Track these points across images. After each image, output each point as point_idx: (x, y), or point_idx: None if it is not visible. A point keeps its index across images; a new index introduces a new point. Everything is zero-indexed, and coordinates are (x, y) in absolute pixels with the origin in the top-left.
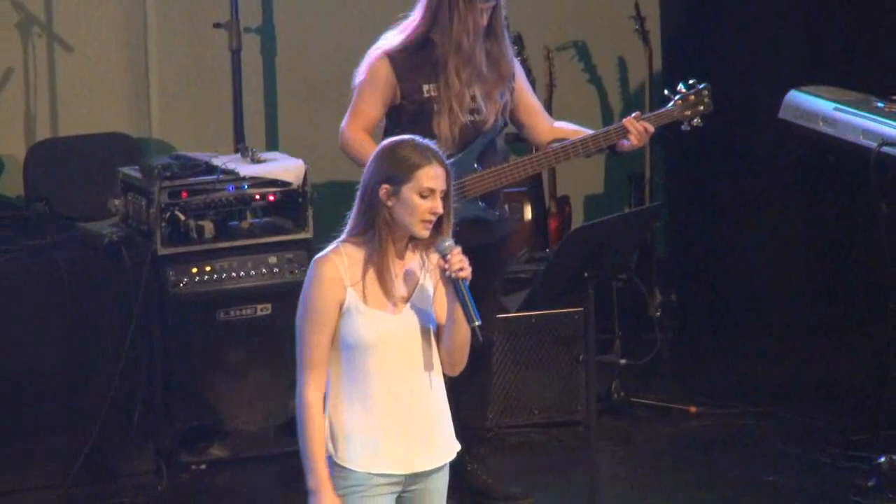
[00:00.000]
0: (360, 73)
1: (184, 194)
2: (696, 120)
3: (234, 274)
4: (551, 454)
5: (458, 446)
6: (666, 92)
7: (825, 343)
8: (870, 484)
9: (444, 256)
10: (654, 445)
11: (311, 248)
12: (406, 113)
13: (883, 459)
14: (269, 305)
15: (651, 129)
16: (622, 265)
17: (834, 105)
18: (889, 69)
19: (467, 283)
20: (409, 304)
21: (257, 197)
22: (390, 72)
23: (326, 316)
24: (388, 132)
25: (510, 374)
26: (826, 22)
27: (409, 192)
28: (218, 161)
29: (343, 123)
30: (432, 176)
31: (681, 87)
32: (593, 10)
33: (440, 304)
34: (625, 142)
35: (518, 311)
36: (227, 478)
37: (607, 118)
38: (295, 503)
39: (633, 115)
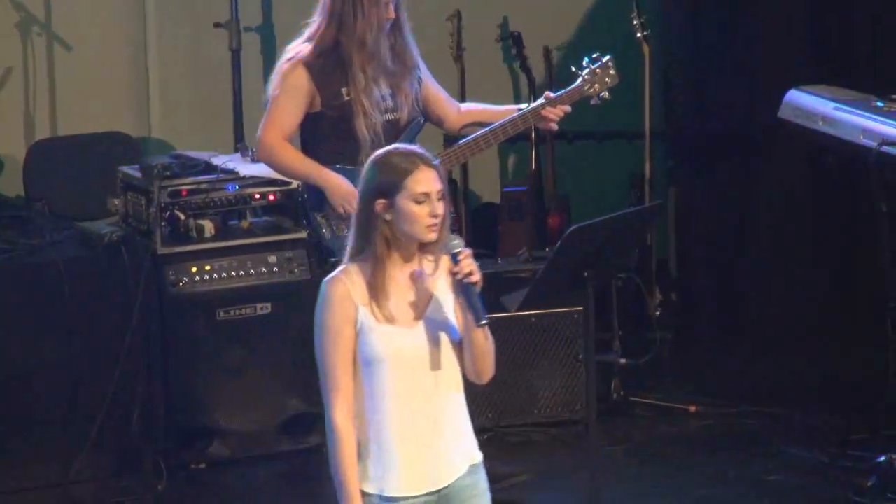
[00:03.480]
0: (275, 85)
1: (183, 193)
2: (604, 93)
3: (233, 273)
4: (551, 454)
5: (479, 455)
6: (573, 69)
7: (825, 343)
8: (869, 483)
9: (453, 258)
10: (654, 445)
11: (310, 248)
12: (327, 119)
13: (883, 459)
14: (268, 305)
15: (567, 109)
16: (622, 264)
17: (834, 104)
18: (889, 69)
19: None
20: (425, 317)
21: (257, 196)
22: (308, 79)
23: (341, 335)
24: (306, 144)
25: (510, 373)
26: (826, 22)
27: (404, 201)
28: (217, 160)
29: (260, 133)
30: (422, 180)
31: (585, 61)
32: (593, 10)
33: (459, 310)
34: (543, 126)
35: (517, 310)
36: (226, 477)
37: (607, 118)
38: (294, 503)
39: (544, 97)
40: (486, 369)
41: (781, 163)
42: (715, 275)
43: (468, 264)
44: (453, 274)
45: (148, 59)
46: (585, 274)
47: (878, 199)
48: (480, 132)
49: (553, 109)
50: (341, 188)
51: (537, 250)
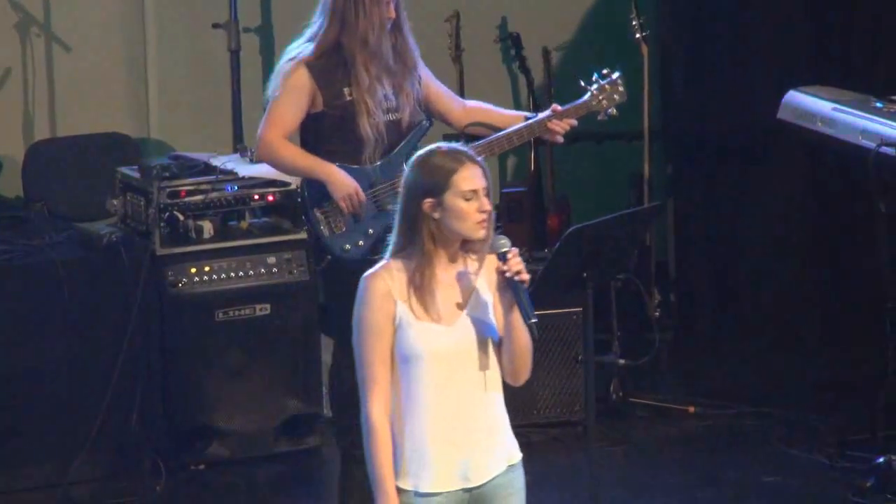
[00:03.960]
0: (276, 85)
1: (182, 194)
2: (612, 110)
3: (232, 274)
4: (550, 454)
5: (517, 455)
6: (582, 83)
7: (824, 343)
8: (868, 484)
9: (501, 257)
10: (653, 445)
11: (309, 249)
12: (329, 119)
13: (882, 460)
14: (267, 306)
15: (574, 123)
16: (621, 265)
17: (833, 105)
18: (888, 70)
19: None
20: (464, 315)
21: (256, 197)
22: (309, 79)
23: (380, 331)
24: (307, 144)
25: None
26: (825, 22)
27: (452, 199)
28: (217, 161)
29: (260, 132)
30: (469, 177)
31: (595, 76)
32: (591, 10)
33: (500, 310)
34: (548, 138)
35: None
36: (225, 478)
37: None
38: (293, 503)
39: (552, 109)
40: (524, 369)
41: (780, 164)
42: (714, 275)
43: (516, 262)
44: (502, 272)
45: (147, 60)
46: (584, 275)
47: (876, 199)
48: (485, 140)
49: (560, 123)
50: (345, 182)
51: (536, 251)
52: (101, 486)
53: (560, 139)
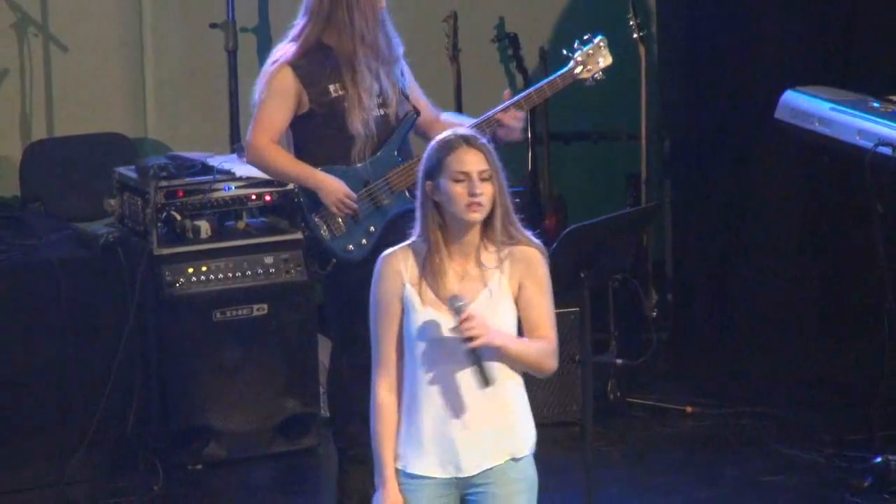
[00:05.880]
0: (262, 88)
1: (180, 194)
2: (598, 74)
3: (230, 274)
4: (547, 454)
5: (524, 450)
6: (564, 52)
7: (821, 343)
8: (865, 484)
9: (456, 315)
10: (650, 446)
11: (306, 249)
12: (317, 117)
13: (879, 459)
14: (265, 306)
15: (521, 116)
16: (618, 265)
17: (830, 105)
18: (886, 70)
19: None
20: (471, 307)
21: (253, 197)
22: (294, 80)
23: (388, 310)
24: (299, 146)
25: None
26: (824, 22)
27: (445, 181)
28: (214, 161)
29: (249, 137)
30: (462, 159)
31: (576, 43)
32: (589, 11)
33: (524, 307)
34: (503, 136)
35: None
36: (222, 478)
37: (607, 118)
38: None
39: (503, 97)
40: (538, 372)
41: (778, 164)
42: (711, 275)
43: (469, 328)
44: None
45: (144, 60)
46: (582, 275)
47: (873, 199)
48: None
49: (507, 114)
50: (333, 187)
51: None
52: (99, 486)
53: (516, 134)
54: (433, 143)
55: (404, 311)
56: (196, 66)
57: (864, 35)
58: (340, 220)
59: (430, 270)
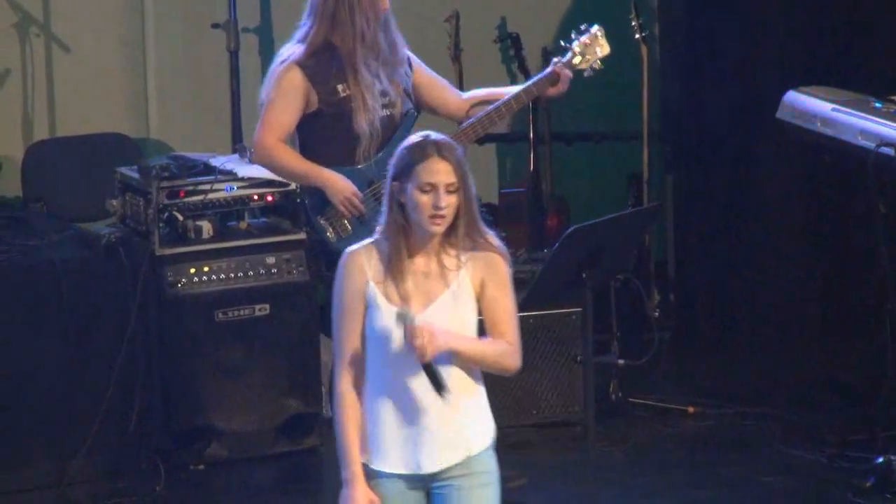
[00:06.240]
0: (270, 88)
1: (181, 195)
2: (596, 63)
3: (231, 274)
4: (549, 454)
5: (478, 447)
6: (562, 43)
7: (823, 344)
8: (868, 484)
9: (406, 328)
10: (652, 446)
11: (309, 249)
12: (324, 117)
13: (881, 460)
14: (266, 306)
15: (570, 74)
16: (620, 265)
17: (832, 105)
18: (887, 70)
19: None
20: (432, 307)
21: (255, 197)
22: (303, 79)
23: (350, 306)
24: (305, 145)
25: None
26: (825, 22)
27: (412, 188)
28: (216, 161)
29: (256, 137)
30: (431, 171)
31: (573, 33)
32: (591, 11)
33: (486, 306)
34: (552, 93)
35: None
36: (225, 478)
37: (607, 118)
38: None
39: (555, 61)
40: (502, 372)
41: (779, 164)
42: (713, 276)
43: (418, 342)
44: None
45: (146, 60)
46: (584, 275)
47: (876, 200)
48: (483, 112)
49: (565, 70)
50: (342, 187)
51: (536, 252)
52: (100, 486)
53: (565, 86)
54: (406, 143)
55: (367, 307)
56: (198, 66)
57: (865, 35)
58: (347, 221)
59: (389, 268)
